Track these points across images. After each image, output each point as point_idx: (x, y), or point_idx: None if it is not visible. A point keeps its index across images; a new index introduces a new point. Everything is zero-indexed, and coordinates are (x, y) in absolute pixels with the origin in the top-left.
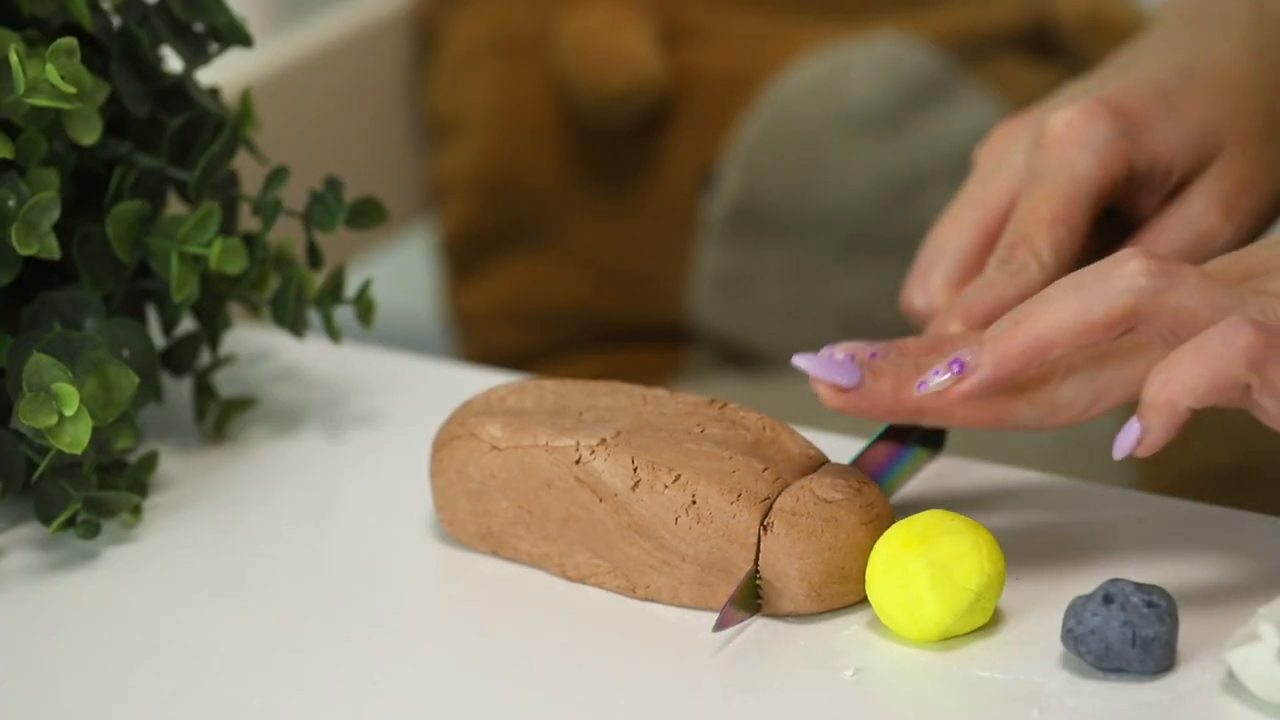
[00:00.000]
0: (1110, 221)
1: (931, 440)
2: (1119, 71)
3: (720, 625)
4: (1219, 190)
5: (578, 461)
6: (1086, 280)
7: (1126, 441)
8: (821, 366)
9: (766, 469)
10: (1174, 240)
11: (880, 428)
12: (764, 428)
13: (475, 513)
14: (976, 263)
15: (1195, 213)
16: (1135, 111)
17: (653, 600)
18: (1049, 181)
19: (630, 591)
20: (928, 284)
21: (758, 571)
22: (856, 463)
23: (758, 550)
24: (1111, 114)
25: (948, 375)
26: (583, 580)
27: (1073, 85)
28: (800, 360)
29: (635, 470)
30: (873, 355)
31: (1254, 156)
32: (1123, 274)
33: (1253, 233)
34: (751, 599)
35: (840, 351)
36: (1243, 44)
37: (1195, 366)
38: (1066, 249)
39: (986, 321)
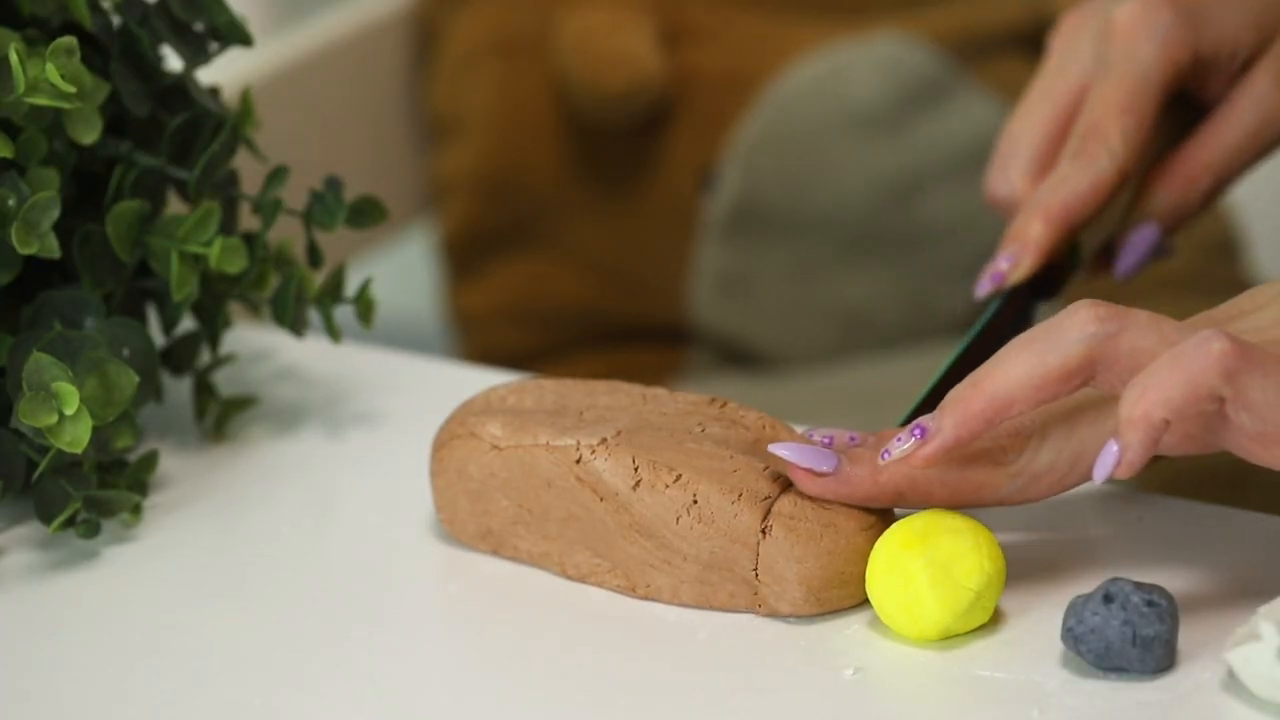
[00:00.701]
0: (1183, 106)
1: None
2: None
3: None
4: None
5: (578, 461)
6: (1039, 335)
7: (1106, 462)
8: (799, 454)
9: (767, 468)
10: (1244, 120)
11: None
12: (764, 427)
13: (475, 512)
14: (1051, 153)
15: (1261, 92)
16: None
17: (653, 599)
18: (1116, 72)
19: (630, 590)
20: (1008, 175)
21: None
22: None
23: (757, 552)
24: (1172, 3)
25: (910, 442)
26: (583, 579)
27: None
28: (777, 449)
29: (636, 470)
30: (852, 439)
31: None
32: (1074, 323)
33: None
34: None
35: (819, 434)
36: None
37: (1170, 376)
38: (1135, 137)
39: (1065, 216)
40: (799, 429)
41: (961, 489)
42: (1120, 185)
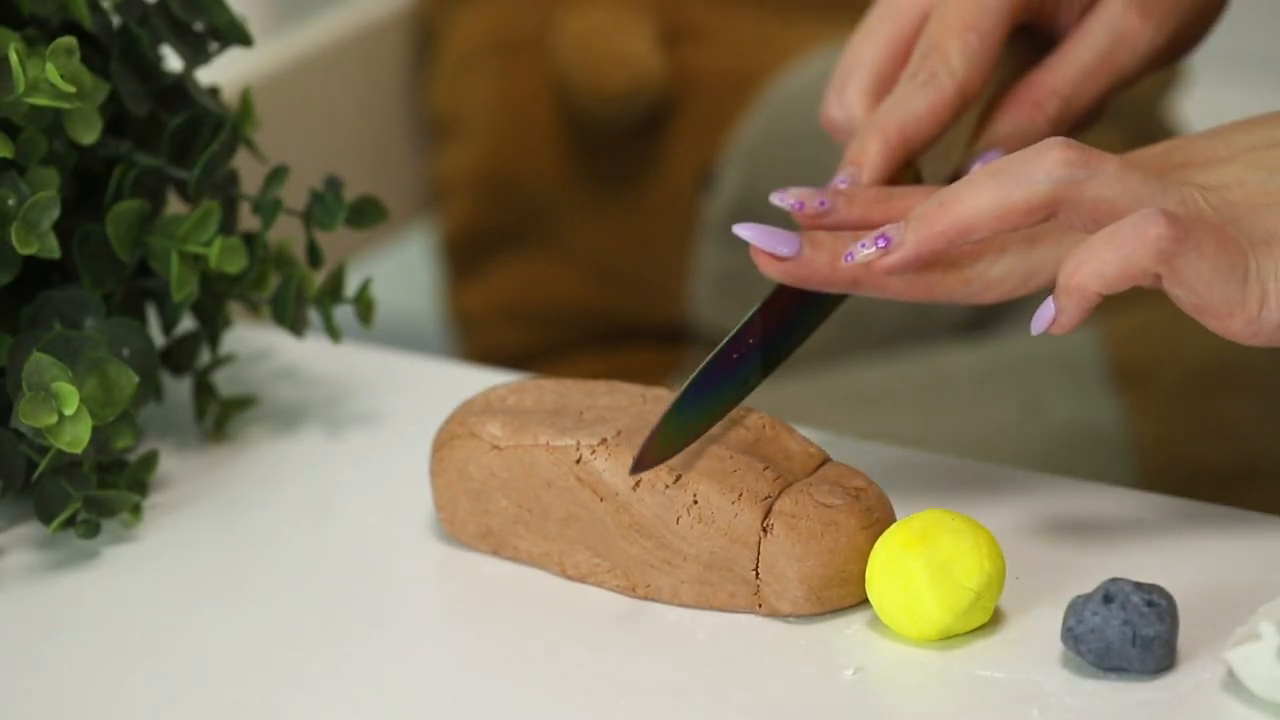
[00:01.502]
0: (1036, 41)
1: (806, 324)
2: None
3: (636, 468)
4: None
5: (578, 461)
6: (1009, 167)
7: (1041, 320)
8: (761, 236)
9: (767, 468)
10: (1095, 43)
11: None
12: (764, 426)
13: (475, 512)
14: (892, 73)
15: (1114, 14)
16: None
17: (653, 599)
18: None
19: (630, 591)
20: (844, 96)
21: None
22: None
23: (758, 551)
24: None
25: (873, 249)
26: (582, 579)
27: None
28: (741, 229)
29: None
30: (821, 203)
31: None
32: (1043, 162)
33: (1173, 34)
34: (676, 439)
35: (789, 197)
36: None
37: (1106, 253)
38: (978, 55)
39: (902, 137)
40: (801, 430)
41: (915, 285)
42: (961, 106)
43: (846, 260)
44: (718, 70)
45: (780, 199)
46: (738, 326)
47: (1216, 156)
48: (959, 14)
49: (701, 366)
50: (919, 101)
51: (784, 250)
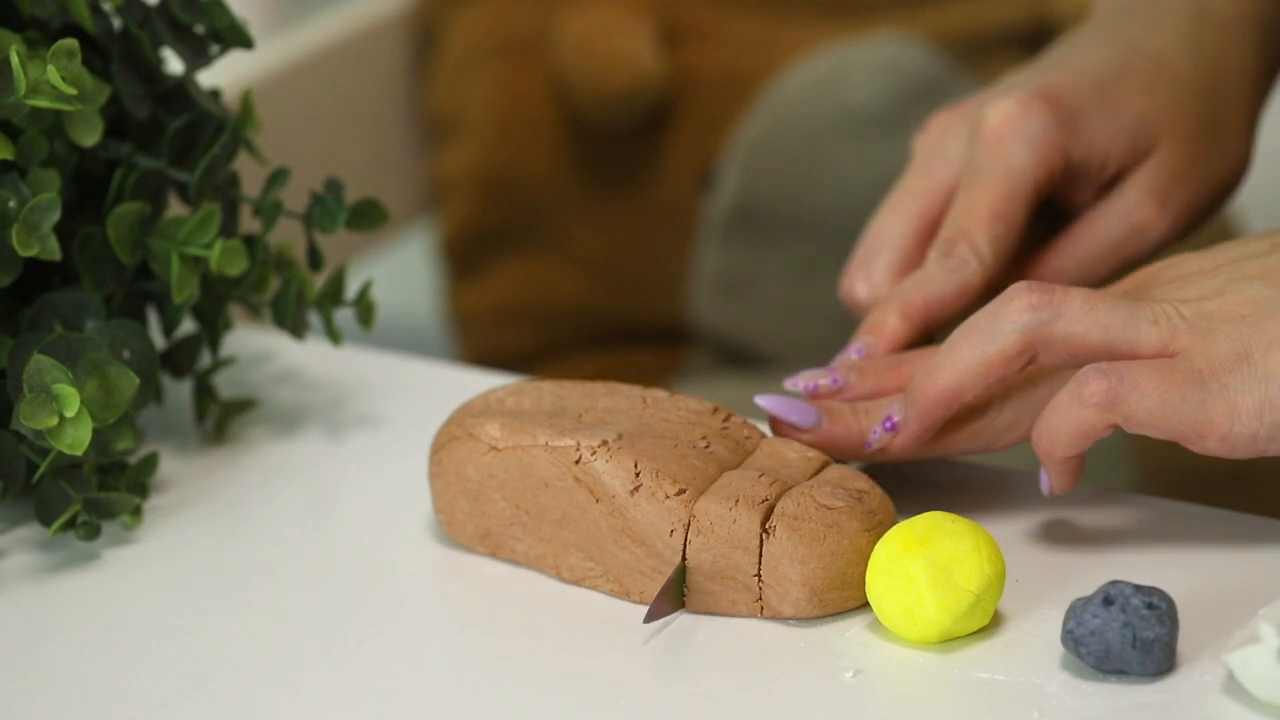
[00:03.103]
0: (1047, 213)
1: None
2: (1056, 63)
3: (650, 617)
4: (1153, 183)
5: (578, 461)
6: (979, 324)
7: (1043, 487)
8: (781, 407)
9: (763, 475)
10: (1108, 233)
11: None
12: (763, 440)
13: (473, 514)
14: (917, 253)
15: (1129, 205)
16: (1071, 104)
17: (646, 605)
18: (987, 175)
19: (625, 596)
20: (870, 274)
21: (684, 564)
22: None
23: (760, 554)
24: (1047, 106)
25: (884, 434)
26: (577, 583)
27: (1010, 76)
28: (762, 400)
29: (638, 474)
30: (834, 381)
31: (1189, 151)
32: (1008, 312)
33: (1187, 227)
34: (679, 594)
35: (802, 381)
36: (1182, 38)
37: (1055, 422)
38: (1004, 243)
39: (925, 315)
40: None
41: (935, 447)
42: (987, 293)
43: (867, 449)
44: (718, 70)
45: (793, 384)
46: None
47: (1203, 269)
48: (988, 201)
49: None
50: (947, 285)
51: (802, 422)
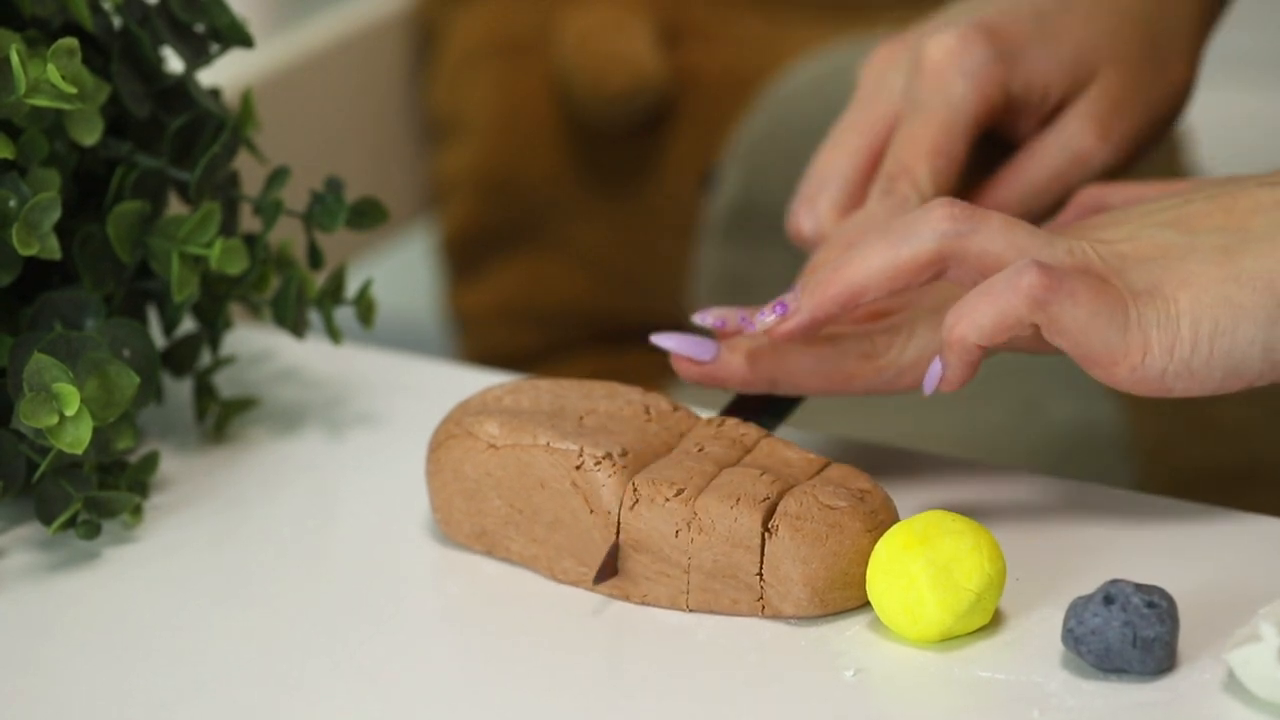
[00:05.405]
0: (989, 145)
1: (776, 414)
2: None
3: (599, 578)
4: (1094, 111)
5: (579, 467)
6: (895, 227)
7: (930, 379)
8: (678, 343)
9: (764, 473)
10: (1050, 162)
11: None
12: (759, 442)
13: (470, 512)
14: (861, 187)
15: (1070, 134)
16: (1010, 36)
17: (647, 605)
18: (927, 109)
19: (625, 598)
20: (815, 209)
21: (617, 545)
22: None
23: (762, 553)
24: (986, 39)
25: (772, 316)
26: (573, 585)
27: (950, 9)
28: (658, 338)
29: (635, 492)
30: (742, 320)
31: (1130, 78)
32: (929, 219)
33: (1129, 154)
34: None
35: (710, 317)
36: None
37: (981, 305)
38: (945, 177)
39: None
40: (802, 432)
41: (834, 378)
42: None
43: (746, 329)
44: (718, 70)
45: (701, 318)
46: None
47: (1116, 220)
48: (928, 136)
49: None
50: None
51: (699, 355)
